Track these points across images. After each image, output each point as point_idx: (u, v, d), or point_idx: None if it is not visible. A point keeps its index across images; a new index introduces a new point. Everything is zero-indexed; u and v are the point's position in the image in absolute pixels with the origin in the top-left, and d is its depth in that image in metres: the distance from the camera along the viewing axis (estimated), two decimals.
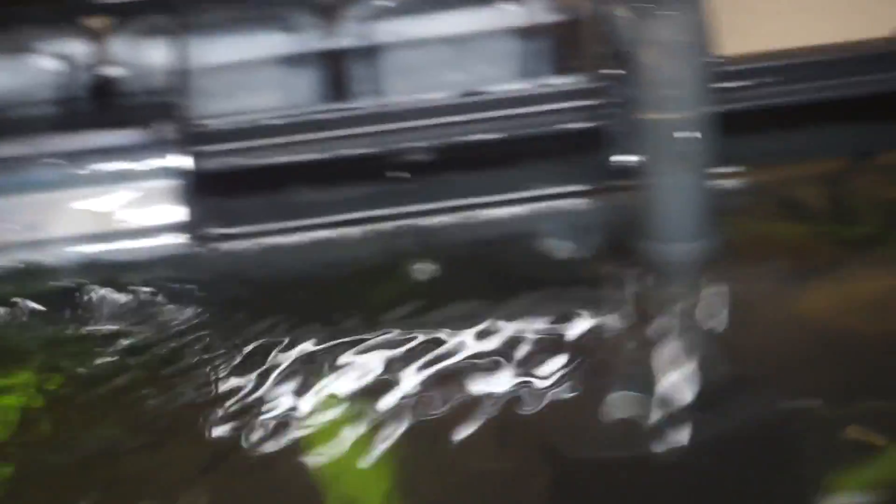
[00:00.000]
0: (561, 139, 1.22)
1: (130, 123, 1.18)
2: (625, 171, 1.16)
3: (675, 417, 0.94)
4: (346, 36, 1.25)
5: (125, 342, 1.08)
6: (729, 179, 1.24)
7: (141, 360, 1.05)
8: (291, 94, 1.25)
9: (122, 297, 1.12)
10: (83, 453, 0.96)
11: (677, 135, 1.06)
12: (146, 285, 1.13)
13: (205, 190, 1.17)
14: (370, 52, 1.26)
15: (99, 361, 1.05)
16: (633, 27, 1.05)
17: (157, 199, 1.16)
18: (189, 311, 1.11)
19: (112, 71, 1.24)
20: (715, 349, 1.05)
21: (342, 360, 1.04)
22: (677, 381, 0.98)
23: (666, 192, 1.09)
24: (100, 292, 1.12)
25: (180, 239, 1.17)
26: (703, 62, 1.06)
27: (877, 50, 1.26)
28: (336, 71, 1.25)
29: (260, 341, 1.06)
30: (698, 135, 1.07)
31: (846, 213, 1.28)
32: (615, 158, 1.18)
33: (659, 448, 0.92)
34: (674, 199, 1.09)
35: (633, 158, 1.13)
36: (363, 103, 1.22)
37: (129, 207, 1.17)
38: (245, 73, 1.25)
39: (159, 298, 1.12)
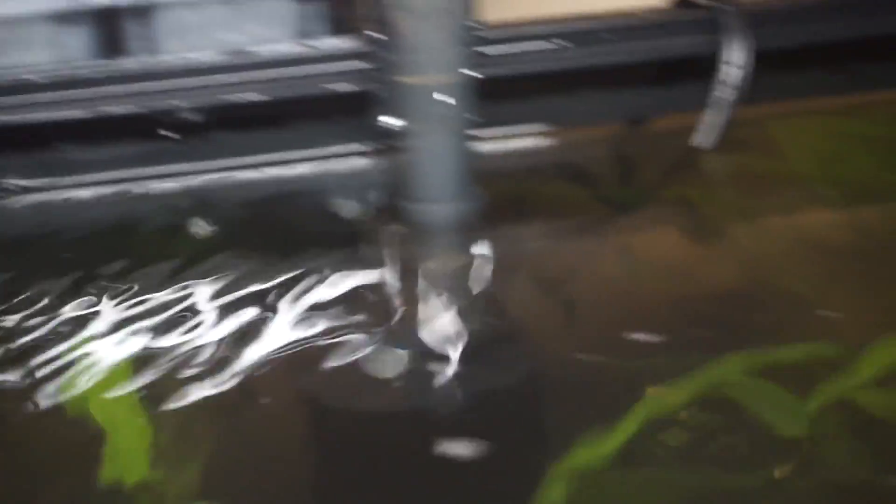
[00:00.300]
0: (332, 100, 1.23)
1: None
2: (393, 133, 1.17)
3: (438, 371, 0.96)
4: None
5: None
6: (502, 142, 1.26)
7: None
8: (61, 51, 1.23)
9: None
10: None
11: (434, 99, 1.07)
12: None
13: None
14: (144, 11, 1.24)
15: None
16: None
17: None
18: None
19: None
20: (475, 306, 1.06)
21: (110, 315, 1.03)
22: (439, 336, 0.99)
23: (425, 155, 1.10)
24: None
25: None
26: (461, 28, 1.06)
27: (645, 19, 1.29)
28: (108, 29, 1.24)
29: (19, 298, 1.06)
30: (455, 99, 1.08)
31: (621, 176, 1.31)
32: (382, 120, 1.19)
33: (424, 401, 0.94)
34: (433, 161, 1.11)
35: (397, 121, 1.14)
36: (130, 62, 1.20)
37: None
38: (13, 29, 1.23)
39: None
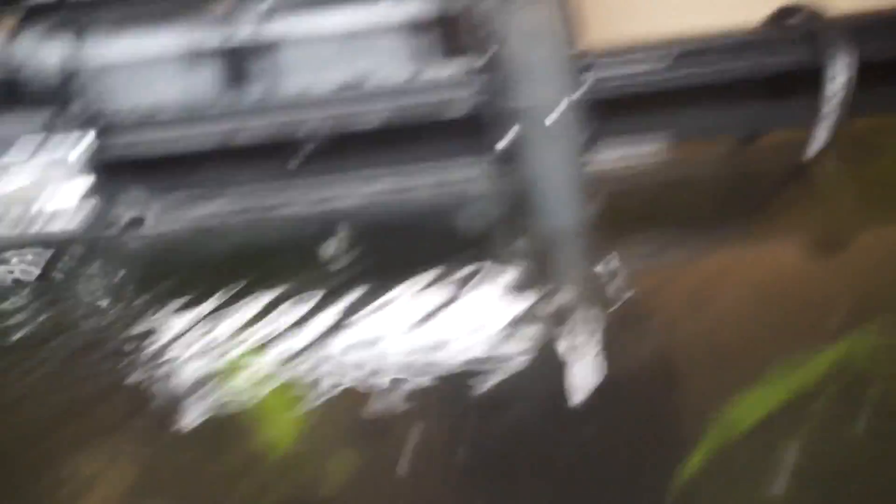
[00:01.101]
0: (451, 125, 1.27)
1: None
2: (511, 153, 1.20)
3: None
4: (242, 33, 1.30)
5: None
6: (616, 159, 1.28)
7: None
8: (191, 89, 1.30)
9: None
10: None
11: (546, 120, 1.10)
12: None
13: None
14: (265, 50, 1.30)
15: None
16: (499, 18, 1.09)
17: None
18: None
19: None
20: (624, 318, 1.05)
21: (263, 325, 1.07)
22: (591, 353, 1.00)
23: (541, 174, 1.13)
24: None
25: None
26: (567, 50, 1.10)
27: (749, 37, 1.30)
28: (233, 66, 1.30)
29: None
30: (566, 119, 1.11)
31: (742, 190, 1.30)
32: (501, 142, 1.22)
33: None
34: (549, 179, 1.13)
35: (513, 141, 1.17)
36: (256, 95, 1.26)
37: None
38: (146, 68, 1.30)
39: None
